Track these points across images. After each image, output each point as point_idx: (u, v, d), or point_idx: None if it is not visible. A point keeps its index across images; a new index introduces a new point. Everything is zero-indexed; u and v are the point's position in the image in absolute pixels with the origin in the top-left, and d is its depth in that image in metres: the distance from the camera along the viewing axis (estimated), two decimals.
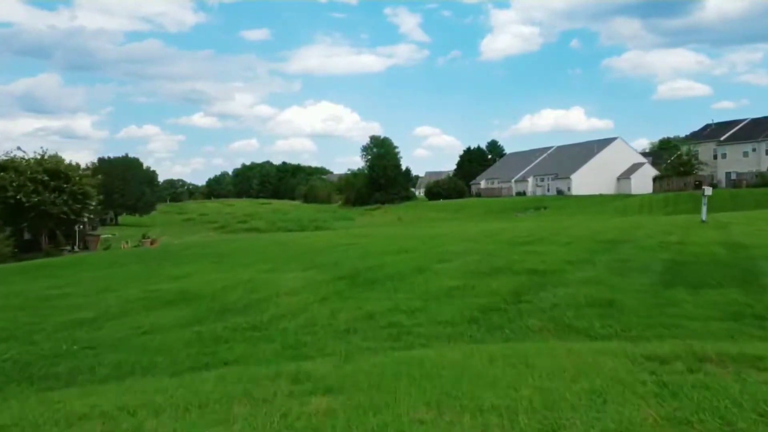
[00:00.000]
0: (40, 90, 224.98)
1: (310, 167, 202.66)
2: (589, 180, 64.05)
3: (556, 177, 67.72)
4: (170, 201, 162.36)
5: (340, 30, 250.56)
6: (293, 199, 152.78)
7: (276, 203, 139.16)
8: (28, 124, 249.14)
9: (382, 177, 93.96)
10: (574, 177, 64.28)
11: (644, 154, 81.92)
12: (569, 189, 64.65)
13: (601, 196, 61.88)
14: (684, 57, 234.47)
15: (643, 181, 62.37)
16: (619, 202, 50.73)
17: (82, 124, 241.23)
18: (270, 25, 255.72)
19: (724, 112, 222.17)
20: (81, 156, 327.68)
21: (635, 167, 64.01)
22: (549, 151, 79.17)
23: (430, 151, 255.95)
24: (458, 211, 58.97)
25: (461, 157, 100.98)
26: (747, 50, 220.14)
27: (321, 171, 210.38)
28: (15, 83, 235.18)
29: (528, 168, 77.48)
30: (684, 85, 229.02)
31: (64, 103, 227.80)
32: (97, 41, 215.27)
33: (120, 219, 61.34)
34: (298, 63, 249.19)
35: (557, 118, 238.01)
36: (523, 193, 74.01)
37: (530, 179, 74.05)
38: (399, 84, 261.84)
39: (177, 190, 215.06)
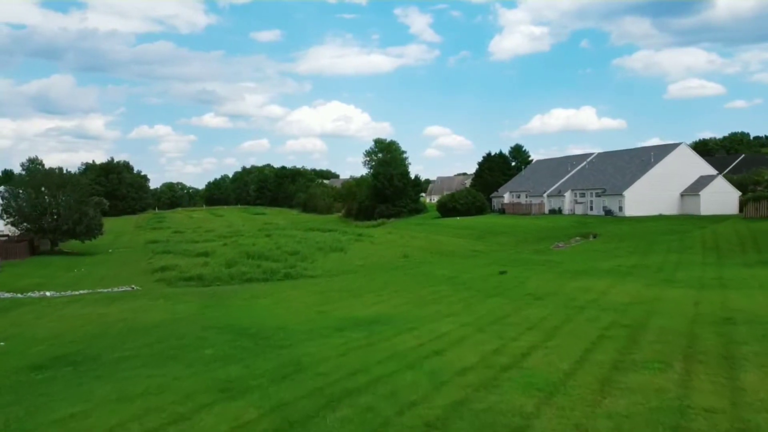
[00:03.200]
0: (53, 91, 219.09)
1: (313, 171, 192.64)
2: (645, 196, 52.51)
3: (604, 193, 56.11)
4: (159, 209, 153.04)
5: (350, 30, 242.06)
6: (292, 207, 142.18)
7: (270, 212, 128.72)
8: (41, 124, 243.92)
9: (388, 187, 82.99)
10: (628, 193, 52.67)
11: None
12: (621, 208, 53.07)
13: (661, 217, 50.43)
14: (695, 56, 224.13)
15: (715, 199, 50.83)
16: (701, 230, 39.21)
17: (95, 124, 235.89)
18: (280, 26, 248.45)
19: (738, 111, 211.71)
20: (93, 156, 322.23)
21: (704, 181, 52.43)
22: (589, 159, 67.44)
23: (440, 151, 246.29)
24: (482, 238, 47.72)
25: (480, 164, 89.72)
26: (760, 49, 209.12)
27: (325, 175, 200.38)
28: (28, 84, 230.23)
29: (563, 180, 65.87)
30: (696, 84, 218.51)
31: (76, 103, 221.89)
32: (109, 43, 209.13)
33: (70, 244, 50.71)
34: (309, 63, 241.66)
35: (568, 117, 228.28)
36: (558, 211, 62.53)
37: (567, 194, 62.50)
38: (409, 84, 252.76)
39: (176, 194, 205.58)
